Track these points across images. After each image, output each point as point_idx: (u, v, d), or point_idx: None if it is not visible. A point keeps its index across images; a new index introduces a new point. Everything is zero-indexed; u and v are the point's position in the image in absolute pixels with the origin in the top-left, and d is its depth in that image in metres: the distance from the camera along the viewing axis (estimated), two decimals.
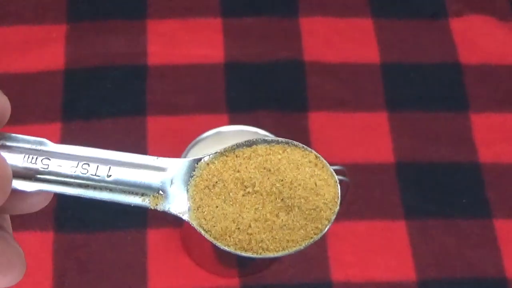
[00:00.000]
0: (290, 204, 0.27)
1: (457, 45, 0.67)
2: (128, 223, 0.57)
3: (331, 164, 0.28)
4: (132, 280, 0.56)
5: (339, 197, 0.27)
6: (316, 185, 0.27)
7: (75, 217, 0.57)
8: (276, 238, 0.27)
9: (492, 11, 0.69)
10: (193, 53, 0.65)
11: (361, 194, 0.59)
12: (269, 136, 0.51)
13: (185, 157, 0.50)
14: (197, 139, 0.51)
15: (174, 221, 0.57)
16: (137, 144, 0.60)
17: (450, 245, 0.58)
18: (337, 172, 0.53)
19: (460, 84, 0.65)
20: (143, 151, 0.59)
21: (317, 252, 0.57)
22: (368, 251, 0.57)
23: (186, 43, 0.65)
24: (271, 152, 0.27)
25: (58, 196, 0.58)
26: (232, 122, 0.61)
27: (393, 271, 0.57)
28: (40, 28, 0.65)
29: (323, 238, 0.57)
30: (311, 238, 0.27)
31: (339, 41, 0.67)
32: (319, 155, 0.28)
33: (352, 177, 0.56)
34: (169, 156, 0.28)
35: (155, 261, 0.56)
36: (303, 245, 0.27)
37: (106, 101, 0.62)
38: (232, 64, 0.65)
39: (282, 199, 0.27)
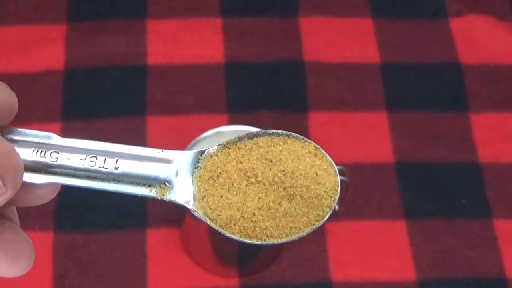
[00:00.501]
0: (292, 192, 0.28)
1: (457, 45, 0.67)
2: (128, 223, 0.57)
3: None
4: (132, 280, 0.56)
5: (339, 185, 0.28)
6: (316, 174, 0.28)
7: (75, 217, 0.57)
8: (279, 225, 0.28)
9: (492, 11, 0.69)
10: (193, 53, 0.65)
11: (361, 194, 0.59)
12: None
13: None
14: (197, 139, 0.51)
15: (174, 221, 0.57)
16: (137, 144, 0.60)
17: (450, 245, 0.58)
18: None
19: (460, 84, 0.65)
20: None
21: (317, 252, 0.57)
22: (368, 251, 0.57)
23: (186, 43, 0.65)
24: (272, 144, 0.28)
25: (58, 197, 0.58)
26: (232, 122, 0.61)
27: (393, 271, 0.57)
28: (40, 28, 0.65)
29: (323, 238, 0.57)
30: (313, 224, 0.28)
31: (339, 41, 0.67)
32: (318, 146, 0.29)
33: (352, 177, 0.56)
34: None
35: (155, 261, 0.56)
36: (305, 231, 0.28)
37: (106, 101, 0.62)
38: (232, 64, 0.65)
39: (284, 188, 0.28)
